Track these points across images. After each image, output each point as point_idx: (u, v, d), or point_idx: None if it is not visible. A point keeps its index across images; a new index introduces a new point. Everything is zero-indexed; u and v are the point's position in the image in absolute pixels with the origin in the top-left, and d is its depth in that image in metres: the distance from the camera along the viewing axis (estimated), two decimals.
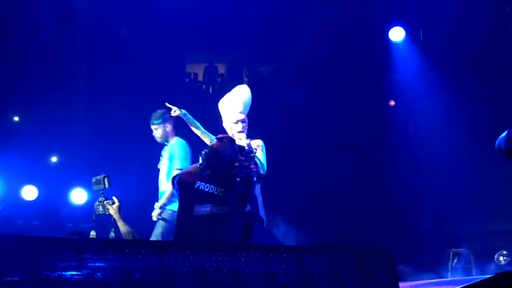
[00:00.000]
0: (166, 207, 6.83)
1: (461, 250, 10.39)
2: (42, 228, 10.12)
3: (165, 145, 7.09)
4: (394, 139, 11.34)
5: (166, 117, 7.02)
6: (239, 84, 6.57)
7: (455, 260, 10.29)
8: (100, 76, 10.68)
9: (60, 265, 3.31)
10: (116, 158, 9.60)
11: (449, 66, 10.89)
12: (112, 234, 5.68)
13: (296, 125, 11.34)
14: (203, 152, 5.00)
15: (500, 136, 4.00)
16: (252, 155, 5.04)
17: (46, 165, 10.21)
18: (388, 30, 11.25)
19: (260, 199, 5.44)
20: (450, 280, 8.73)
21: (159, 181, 7.04)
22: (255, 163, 5.16)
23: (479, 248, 10.30)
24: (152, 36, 11.00)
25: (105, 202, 5.79)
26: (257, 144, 5.85)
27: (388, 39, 11.28)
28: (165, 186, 6.87)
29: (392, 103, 11.91)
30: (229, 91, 6.34)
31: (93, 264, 3.35)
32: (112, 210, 5.72)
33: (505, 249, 9.88)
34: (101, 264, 3.36)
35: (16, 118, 11.22)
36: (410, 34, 11.24)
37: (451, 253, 10.36)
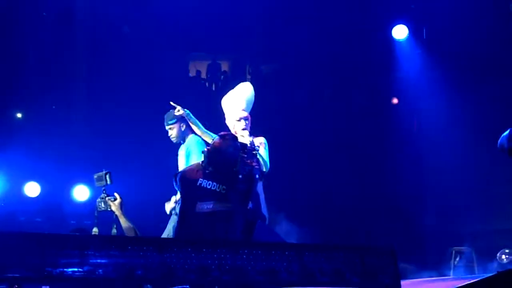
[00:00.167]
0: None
1: (463, 248, 10.38)
2: (44, 224, 10.14)
3: (180, 143, 7.06)
4: (397, 137, 11.34)
5: (180, 116, 7.00)
6: (242, 81, 6.56)
7: (458, 258, 10.28)
8: (102, 74, 10.68)
9: (62, 262, 3.31)
10: (118, 155, 9.62)
11: (452, 64, 10.87)
12: (114, 231, 5.69)
13: (299, 123, 11.33)
14: (205, 149, 5.02)
15: (503, 135, 4.00)
16: (254, 152, 5.03)
17: (48, 162, 10.21)
18: (391, 28, 11.24)
19: (262, 197, 5.44)
20: (452, 278, 8.72)
21: None
22: (257, 161, 5.16)
23: (482, 247, 10.29)
24: (154, 34, 11.00)
25: (107, 198, 5.79)
26: (260, 142, 5.84)
27: (391, 37, 11.28)
28: None
29: (395, 101, 11.90)
30: (232, 88, 6.33)
31: (95, 261, 3.35)
32: (114, 206, 5.72)
33: (507, 248, 9.87)
34: (103, 261, 3.37)
35: (19, 115, 11.24)
36: (413, 32, 11.24)
37: (454, 251, 10.36)
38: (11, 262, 3.28)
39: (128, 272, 3.37)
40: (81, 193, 10.21)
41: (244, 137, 5.88)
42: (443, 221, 10.98)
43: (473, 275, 8.38)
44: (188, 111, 6.46)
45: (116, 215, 5.72)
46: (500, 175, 10.59)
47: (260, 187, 5.36)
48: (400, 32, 11.23)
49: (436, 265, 9.87)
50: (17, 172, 10.08)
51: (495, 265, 9.61)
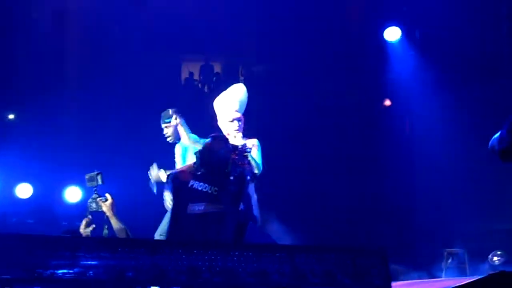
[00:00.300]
0: None
1: (455, 250, 10.41)
2: (36, 226, 10.11)
3: (175, 143, 7.06)
4: (390, 139, 11.36)
5: (176, 115, 7.01)
6: (235, 83, 6.57)
7: (450, 260, 10.31)
8: (94, 76, 10.66)
9: (53, 263, 3.30)
10: (110, 156, 9.59)
11: (445, 66, 10.90)
12: (105, 232, 5.67)
13: (291, 125, 11.33)
14: (197, 151, 5.02)
15: (493, 137, 4.00)
16: (245, 154, 5.04)
17: (40, 163, 10.19)
18: (384, 30, 11.26)
19: (254, 198, 5.43)
20: (443, 279, 8.75)
21: None
22: (249, 162, 5.16)
23: (474, 248, 10.32)
24: (147, 36, 10.98)
25: (98, 199, 5.78)
26: (253, 144, 5.84)
27: (384, 39, 11.30)
28: None
29: (388, 102, 11.92)
30: (225, 90, 6.33)
31: (85, 263, 3.35)
32: (105, 207, 5.72)
33: (499, 249, 9.90)
34: (93, 263, 3.36)
35: (11, 116, 11.21)
36: (406, 33, 11.26)
37: (446, 253, 10.38)
38: (2, 264, 3.27)
39: (119, 274, 3.36)
40: (73, 194, 10.19)
41: (236, 138, 5.88)
42: (435, 222, 10.99)
43: (464, 277, 8.41)
44: (183, 121, 6.47)
45: (107, 216, 5.71)
46: (492, 176, 10.61)
47: (252, 188, 5.36)
48: (392, 34, 11.24)
49: (428, 266, 9.89)
50: (9, 173, 10.05)
51: (486, 266, 9.63)
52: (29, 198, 10.25)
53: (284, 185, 10.60)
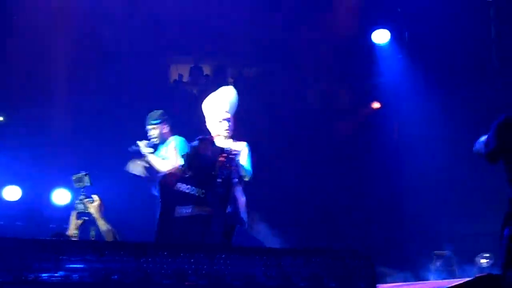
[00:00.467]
0: None
1: (444, 252, 10.42)
2: (25, 229, 10.05)
3: (159, 145, 7.03)
4: (378, 141, 11.37)
5: (164, 118, 7.00)
6: (225, 85, 6.56)
7: (438, 262, 10.32)
8: (83, 77, 10.62)
9: (38, 267, 3.30)
10: (99, 157, 9.56)
11: (433, 69, 10.92)
12: (92, 233, 5.64)
13: (281, 128, 11.33)
14: (184, 153, 5.02)
15: (479, 140, 4.02)
16: (232, 156, 5.03)
17: (29, 165, 10.14)
18: (372, 32, 11.27)
19: (241, 201, 5.43)
20: (430, 282, 8.76)
21: None
22: (236, 164, 5.16)
23: (462, 250, 10.34)
24: (136, 37, 10.95)
25: (85, 200, 5.75)
26: (241, 147, 5.82)
27: (373, 41, 11.31)
28: None
29: (377, 105, 11.93)
30: (214, 92, 6.32)
31: (70, 266, 3.35)
32: (93, 208, 5.69)
33: (487, 252, 9.93)
34: (78, 266, 3.36)
35: None
36: (395, 36, 11.27)
37: (434, 255, 10.40)
38: None
39: (104, 277, 3.36)
40: (61, 196, 10.14)
41: (225, 139, 5.87)
42: (423, 224, 11.01)
43: (451, 279, 8.42)
44: (169, 126, 6.54)
45: (94, 217, 5.68)
46: (480, 179, 10.65)
47: (239, 191, 5.36)
48: (381, 36, 11.26)
49: (416, 268, 9.90)
50: None
51: (475, 269, 9.66)
52: (17, 200, 10.19)
53: (273, 188, 10.58)
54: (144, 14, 10.85)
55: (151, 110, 7.16)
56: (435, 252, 10.44)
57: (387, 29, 11.23)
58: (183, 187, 4.88)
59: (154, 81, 11.62)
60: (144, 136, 7.09)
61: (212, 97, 6.22)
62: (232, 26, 11.29)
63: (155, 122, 6.99)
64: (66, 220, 6.09)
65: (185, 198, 4.84)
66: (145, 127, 7.12)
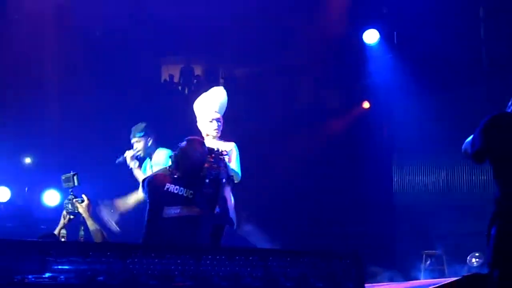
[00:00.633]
0: None
1: (434, 251, 10.45)
2: (15, 230, 10.01)
3: (145, 158, 6.95)
4: (368, 141, 11.39)
5: (148, 131, 6.91)
6: (215, 85, 6.57)
7: (428, 262, 10.35)
8: (73, 77, 10.59)
9: (23, 268, 3.27)
10: (88, 158, 9.54)
11: (423, 69, 10.94)
12: (81, 233, 5.63)
13: (270, 128, 11.33)
14: (172, 154, 5.01)
15: (466, 140, 4.03)
16: (221, 157, 5.02)
17: (18, 166, 10.11)
18: (362, 33, 11.29)
19: (230, 201, 5.43)
20: (418, 282, 8.77)
21: None
22: (225, 165, 5.15)
23: (453, 250, 10.37)
24: (127, 38, 10.94)
25: (74, 200, 5.74)
26: (230, 149, 5.82)
27: (362, 41, 11.33)
28: None
29: (367, 105, 11.95)
30: (205, 92, 6.32)
31: (56, 267, 3.32)
32: (81, 208, 5.67)
33: (478, 251, 9.95)
34: (65, 267, 3.34)
35: None
36: (384, 36, 11.29)
37: (424, 255, 10.42)
38: None
39: (90, 278, 3.34)
40: (51, 197, 10.11)
41: (214, 139, 5.87)
42: (414, 224, 11.04)
43: (440, 279, 8.43)
44: (153, 139, 6.55)
45: (83, 217, 5.67)
46: (471, 178, 10.69)
47: (228, 191, 5.35)
48: (371, 36, 11.28)
49: (406, 268, 9.92)
50: None
51: (465, 268, 9.68)
52: (6, 201, 10.15)
53: (262, 188, 10.58)
54: (135, 15, 10.83)
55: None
56: (425, 251, 10.46)
57: (376, 29, 11.25)
58: (172, 187, 4.86)
59: (145, 81, 11.61)
60: None
61: (202, 97, 6.23)
62: (223, 27, 11.31)
63: (139, 135, 6.88)
64: (57, 221, 6.07)
65: (174, 199, 4.82)
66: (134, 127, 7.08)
